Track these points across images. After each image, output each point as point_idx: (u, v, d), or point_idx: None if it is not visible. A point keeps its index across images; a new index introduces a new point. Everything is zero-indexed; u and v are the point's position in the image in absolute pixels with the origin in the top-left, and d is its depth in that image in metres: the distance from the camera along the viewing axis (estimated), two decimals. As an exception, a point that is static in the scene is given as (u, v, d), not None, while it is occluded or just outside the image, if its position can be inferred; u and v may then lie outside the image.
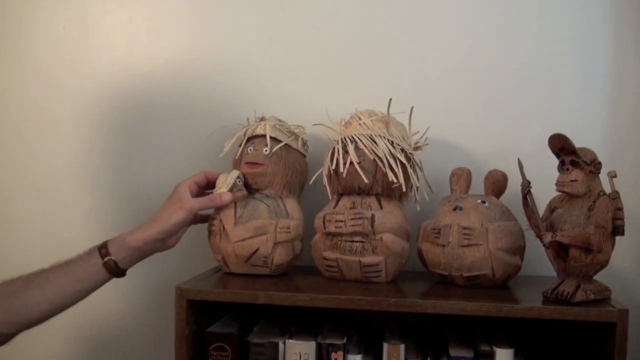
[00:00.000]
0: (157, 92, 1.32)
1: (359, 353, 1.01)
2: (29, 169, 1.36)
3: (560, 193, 0.97)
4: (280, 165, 1.11)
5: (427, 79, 1.24)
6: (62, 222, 1.35)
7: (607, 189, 0.94)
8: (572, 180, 0.93)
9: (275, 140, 1.12)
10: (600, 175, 0.95)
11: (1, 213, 1.37)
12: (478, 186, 1.10)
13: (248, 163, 1.11)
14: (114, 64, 1.33)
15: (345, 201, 1.09)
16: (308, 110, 1.22)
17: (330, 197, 1.11)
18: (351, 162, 1.05)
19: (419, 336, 1.08)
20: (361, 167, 1.05)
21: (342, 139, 1.08)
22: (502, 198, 1.07)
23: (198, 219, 1.11)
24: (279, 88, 1.28)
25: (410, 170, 1.08)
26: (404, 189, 1.08)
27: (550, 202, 1.00)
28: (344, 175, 1.06)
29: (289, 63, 1.28)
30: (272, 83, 1.28)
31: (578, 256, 0.93)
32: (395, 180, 1.05)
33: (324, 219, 1.06)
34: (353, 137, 1.07)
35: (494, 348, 0.98)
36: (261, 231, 1.07)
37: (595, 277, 0.97)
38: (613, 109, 1.20)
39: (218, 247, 1.09)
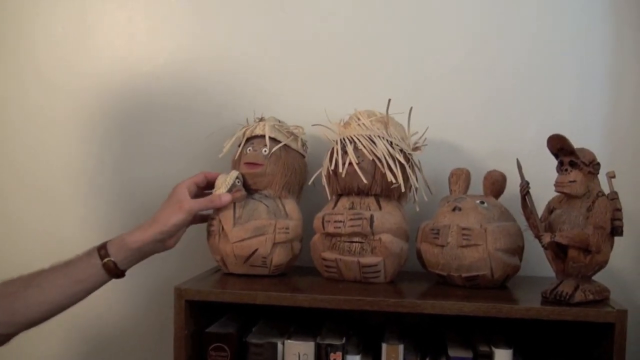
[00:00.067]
0: (156, 93, 1.32)
1: (357, 353, 1.01)
2: (28, 169, 1.36)
3: (559, 194, 0.97)
4: (279, 165, 1.11)
5: (426, 80, 1.24)
6: (61, 222, 1.35)
7: (606, 190, 0.94)
8: (570, 181, 0.93)
9: (274, 140, 1.12)
10: (599, 175, 0.95)
11: (1, 213, 1.37)
12: (477, 187, 1.10)
13: (247, 163, 1.11)
14: (114, 64, 1.33)
15: (344, 202, 1.09)
16: (307, 110, 1.22)
17: (329, 198, 1.11)
18: (350, 163, 1.05)
19: (418, 337, 1.08)
20: (360, 168, 1.05)
21: (341, 140, 1.08)
22: (501, 198, 1.08)
23: (197, 218, 1.11)
24: (278, 88, 1.28)
25: (409, 170, 1.08)
26: (403, 190, 1.08)
27: (549, 203, 1.00)
28: (343, 175, 1.06)
29: (288, 63, 1.28)
30: (271, 83, 1.28)
31: (577, 257, 0.93)
32: (394, 181, 1.05)
33: (323, 219, 1.06)
34: (352, 138, 1.07)
35: (493, 348, 0.98)
36: (260, 231, 1.07)
37: (594, 278, 0.97)
38: (612, 109, 1.20)
39: (217, 248, 1.09)
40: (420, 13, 1.25)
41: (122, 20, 1.33)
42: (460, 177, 1.10)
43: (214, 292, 1.00)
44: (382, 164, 1.05)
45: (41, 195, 1.36)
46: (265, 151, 1.11)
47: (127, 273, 1.04)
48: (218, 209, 1.09)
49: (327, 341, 1.00)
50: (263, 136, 1.12)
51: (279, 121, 1.16)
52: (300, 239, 1.12)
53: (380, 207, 1.07)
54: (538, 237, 0.95)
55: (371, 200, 1.07)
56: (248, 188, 1.12)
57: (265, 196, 1.11)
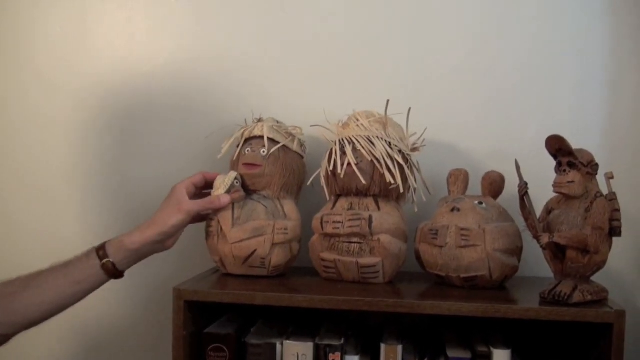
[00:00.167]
0: (155, 93, 1.32)
1: (356, 354, 1.01)
2: (27, 169, 1.36)
3: (557, 194, 0.97)
4: (277, 166, 1.11)
5: (425, 81, 1.24)
6: (60, 222, 1.35)
7: (604, 190, 0.94)
8: (569, 182, 0.93)
9: (272, 141, 1.12)
10: (597, 176, 0.95)
11: (0, 213, 1.38)
12: (475, 187, 1.10)
13: (246, 164, 1.11)
14: (113, 64, 1.33)
15: (343, 202, 1.09)
16: (306, 111, 1.22)
17: (327, 198, 1.11)
18: (349, 164, 1.06)
19: (417, 337, 1.08)
20: (359, 169, 1.05)
21: (339, 140, 1.09)
22: (500, 199, 1.08)
23: (196, 217, 1.11)
24: (276, 89, 1.28)
25: (407, 171, 1.08)
26: (402, 190, 1.08)
27: (547, 204, 1.00)
28: (342, 176, 1.06)
29: (287, 64, 1.28)
30: (270, 84, 1.28)
31: (575, 257, 0.93)
32: (392, 182, 1.05)
33: (321, 220, 1.06)
34: (351, 139, 1.07)
35: (492, 349, 0.98)
36: (259, 232, 1.07)
37: (593, 278, 0.97)
38: (610, 110, 1.20)
39: (216, 249, 1.09)
40: (418, 14, 1.25)
41: (122, 20, 1.34)
42: (459, 178, 1.10)
43: (213, 293, 1.00)
44: (381, 165, 1.05)
45: (41, 195, 1.36)
46: (263, 152, 1.11)
47: (126, 274, 1.04)
48: (217, 210, 1.09)
49: (326, 342, 1.00)
50: (261, 137, 1.12)
51: (278, 122, 1.16)
52: (299, 239, 1.12)
53: (378, 208, 1.07)
54: (536, 237, 0.95)
55: (370, 201, 1.07)
56: (247, 189, 1.12)
57: (264, 197, 1.11)
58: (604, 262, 0.94)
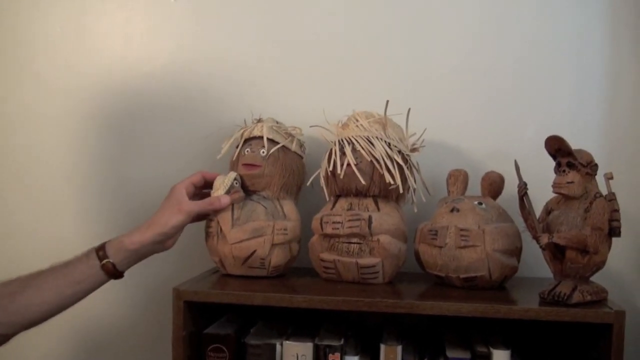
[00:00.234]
0: (154, 93, 1.32)
1: (356, 354, 1.01)
2: (27, 170, 1.36)
3: (556, 195, 0.97)
4: (277, 166, 1.11)
5: (424, 81, 1.24)
6: (60, 222, 1.35)
7: (604, 191, 0.94)
8: (568, 182, 0.94)
9: (272, 141, 1.12)
10: (596, 176, 0.95)
11: (-1, 213, 1.38)
12: (475, 188, 1.10)
13: (245, 165, 1.11)
14: (112, 64, 1.33)
15: (343, 203, 1.09)
16: (305, 111, 1.22)
17: (327, 199, 1.11)
18: (348, 164, 1.06)
19: (416, 337, 1.08)
20: (358, 169, 1.05)
21: (339, 141, 1.09)
22: (499, 200, 1.08)
23: (195, 217, 1.11)
24: (276, 89, 1.28)
25: (407, 171, 1.08)
26: (401, 191, 1.08)
27: (546, 204, 1.00)
28: (341, 176, 1.06)
29: (286, 64, 1.28)
30: (269, 84, 1.28)
31: (575, 258, 0.93)
32: (392, 182, 1.05)
33: (321, 220, 1.06)
34: (350, 139, 1.08)
35: (491, 349, 0.98)
36: (258, 233, 1.07)
37: (592, 279, 0.97)
38: (609, 110, 1.20)
39: (215, 249, 1.09)
40: (418, 14, 1.25)
41: (121, 21, 1.34)
42: (458, 178, 1.10)
43: (213, 293, 1.00)
44: (380, 165, 1.05)
45: (40, 196, 1.36)
46: (263, 152, 1.11)
47: (125, 274, 1.04)
48: (216, 211, 1.09)
49: (326, 342, 1.00)
50: (261, 137, 1.12)
51: (277, 122, 1.16)
52: (298, 240, 1.12)
53: (378, 208, 1.07)
54: (536, 238, 0.95)
55: (369, 202, 1.07)
56: (246, 189, 1.12)
57: (264, 197, 1.11)
58: (603, 263, 0.94)
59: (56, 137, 1.35)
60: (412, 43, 1.25)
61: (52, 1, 1.35)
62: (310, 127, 1.17)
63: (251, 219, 1.08)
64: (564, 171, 0.94)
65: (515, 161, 1.00)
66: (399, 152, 1.08)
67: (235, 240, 1.06)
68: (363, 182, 1.05)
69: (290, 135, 1.15)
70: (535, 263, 1.08)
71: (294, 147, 1.15)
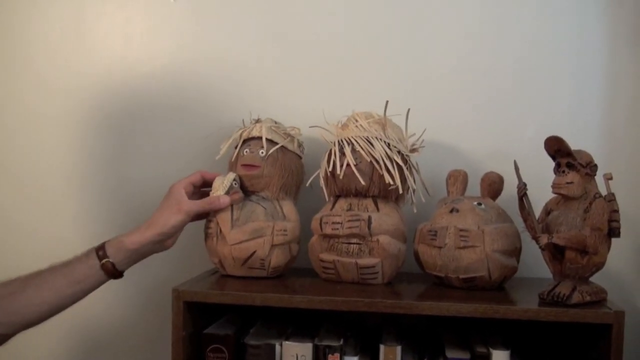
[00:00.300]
0: (154, 93, 1.32)
1: (355, 355, 1.01)
2: (26, 170, 1.36)
3: (556, 195, 0.97)
4: (276, 167, 1.11)
5: (423, 81, 1.24)
6: (60, 222, 1.35)
7: (603, 191, 0.94)
8: (568, 183, 0.93)
9: (271, 142, 1.12)
10: (596, 177, 0.95)
11: (-1, 213, 1.38)
12: (474, 188, 1.10)
13: (244, 165, 1.11)
14: (112, 64, 1.33)
15: (342, 203, 1.09)
16: (304, 112, 1.22)
17: (327, 199, 1.11)
18: (348, 164, 1.06)
19: (416, 338, 1.09)
20: (358, 169, 1.05)
21: (338, 141, 1.09)
22: (499, 200, 1.08)
23: (195, 216, 1.11)
24: (275, 89, 1.28)
25: (406, 172, 1.08)
26: (401, 191, 1.08)
27: (546, 204, 1.00)
28: (341, 177, 1.06)
29: (285, 64, 1.28)
30: (268, 84, 1.28)
31: (574, 258, 0.93)
32: (391, 182, 1.05)
33: (320, 221, 1.06)
34: (350, 139, 1.07)
35: (490, 350, 0.98)
36: (258, 234, 1.07)
37: (591, 279, 0.97)
38: (609, 110, 1.20)
39: (215, 250, 1.09)
40: (418, 14, 1.25)
41: (121, 21, 1.34)
42: (458, 179, 1.10)
43: (212, 294, 1.00)
44: (380, 166, 1.05)
45: (39, 196, 1.36)
46: (262, 153, 1.11)
47: (125, 274, 1.04)
48: (215, 211, 1.09)
49: (325, 342, 1.00)
50: (260, 138, 1.12)
51: (276, 122, 1.16)
52: (298, 240, 1.12)
53: (378, 209, 1.07)
54: (535, 238, 0.95)
55: (369, 202, 1.07)
56: (245, 190, 1.12)
57: (263, 198, 1.11)
58: (602, 263, 0.94)
59: (56, 137, 1.35)
60: (412, 43, 1.25)
61: (51, 1, 1.35)
62: (310, 127, 1.17)
63: (250, 219, 1.08)
64: (563, 172, 0.94)
65: (515, 161, 1.00)
66: (399, 152, 1.08)
67: (235, 241, 1.06)
68: (362, 182, 1.05)
69: (289, 135, 1.15)
70: (535, 263, 1.08)
71: (293, 147, 1.15)
